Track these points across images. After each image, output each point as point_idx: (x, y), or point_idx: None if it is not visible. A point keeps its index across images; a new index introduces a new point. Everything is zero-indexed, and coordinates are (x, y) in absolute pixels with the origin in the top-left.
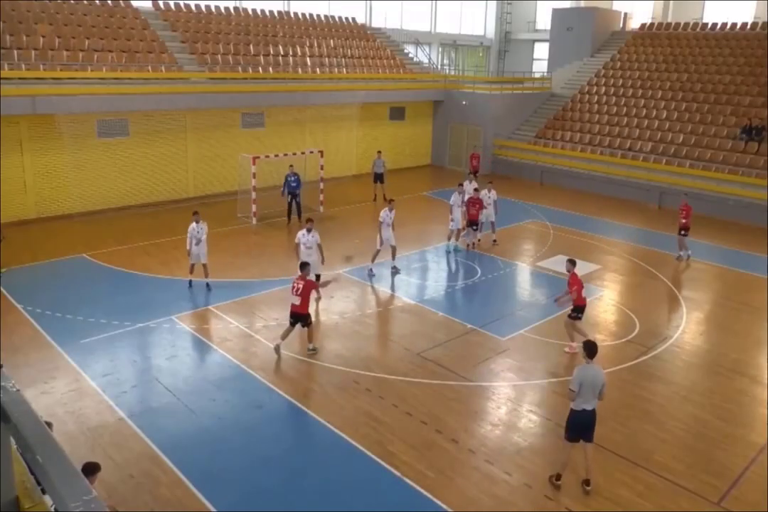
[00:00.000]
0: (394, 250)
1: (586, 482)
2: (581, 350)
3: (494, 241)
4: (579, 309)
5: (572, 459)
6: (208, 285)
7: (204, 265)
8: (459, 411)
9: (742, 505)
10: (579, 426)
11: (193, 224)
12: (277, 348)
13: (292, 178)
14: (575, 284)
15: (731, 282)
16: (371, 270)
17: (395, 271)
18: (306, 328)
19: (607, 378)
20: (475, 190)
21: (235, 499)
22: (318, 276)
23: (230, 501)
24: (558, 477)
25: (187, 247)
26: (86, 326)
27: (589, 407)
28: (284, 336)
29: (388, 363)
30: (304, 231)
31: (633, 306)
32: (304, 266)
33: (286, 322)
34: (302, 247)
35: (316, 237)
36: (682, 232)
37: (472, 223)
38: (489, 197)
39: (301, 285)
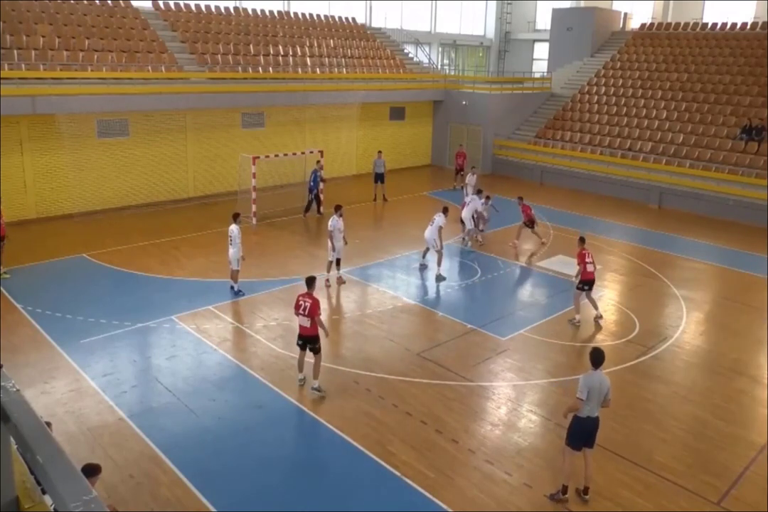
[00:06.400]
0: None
1: (585, 490)
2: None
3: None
4: (586, 283)
5: (574, 467)
6: (233, 288)
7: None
8: (459, 411)
9: (742, 505)
10: (584, 434)
11: (233, 226)
12: (302, 383)
13: (319, 174)
14: (580, 260)
15: (731, 282)
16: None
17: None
18: (315, 356)
19: (607, 379)
20: (480, 191)
21: (235, 499)
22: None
23: (230, 501)
24: (565, 490)
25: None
26: (86, 326)
27: (594, 414)
28: (301, 367)
29: (388, 363)
30: (336, 217)
31: (633, 306)
32: (311, 281)
33: (286, 322)
34: (337, 232)
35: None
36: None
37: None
38: (472, 180)
39: (309, 304)
